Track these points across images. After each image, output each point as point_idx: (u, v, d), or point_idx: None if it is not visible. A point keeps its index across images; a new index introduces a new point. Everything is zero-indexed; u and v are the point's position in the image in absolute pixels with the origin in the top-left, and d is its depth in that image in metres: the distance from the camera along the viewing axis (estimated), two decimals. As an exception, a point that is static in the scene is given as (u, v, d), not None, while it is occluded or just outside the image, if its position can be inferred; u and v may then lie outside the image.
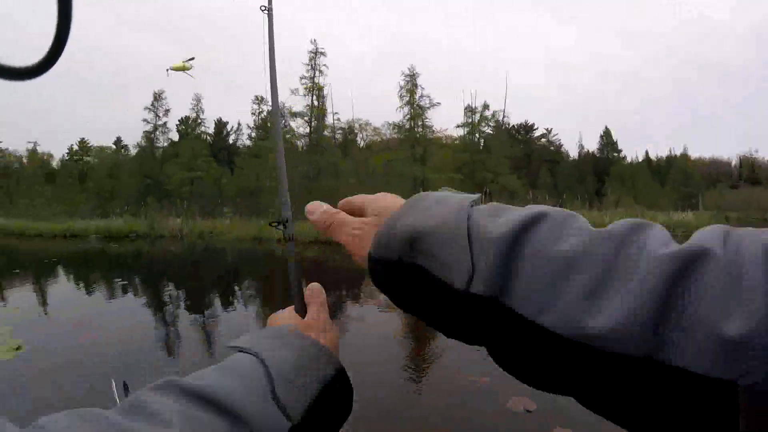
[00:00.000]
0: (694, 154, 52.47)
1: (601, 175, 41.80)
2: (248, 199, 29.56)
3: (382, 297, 6.63)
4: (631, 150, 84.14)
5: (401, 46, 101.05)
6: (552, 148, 49.15)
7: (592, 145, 50.85)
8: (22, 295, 10.79)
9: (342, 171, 29.30)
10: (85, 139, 53.98)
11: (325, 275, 12.79)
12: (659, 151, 53.84)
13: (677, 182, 38.38)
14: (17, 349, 6.04)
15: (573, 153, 49.68)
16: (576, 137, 58.34)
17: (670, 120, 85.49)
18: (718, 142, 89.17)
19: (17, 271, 14.67)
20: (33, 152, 51.20)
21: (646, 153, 50.98)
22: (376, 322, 7.34)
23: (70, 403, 4.48)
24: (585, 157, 47.76)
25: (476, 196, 0.51)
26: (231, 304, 9.47)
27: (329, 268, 13.81)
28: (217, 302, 9.70)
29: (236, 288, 11.48)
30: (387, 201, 0.59)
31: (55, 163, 54.37)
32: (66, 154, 53.19)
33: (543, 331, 0.38)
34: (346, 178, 28.65)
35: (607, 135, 48.10)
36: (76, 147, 52.95)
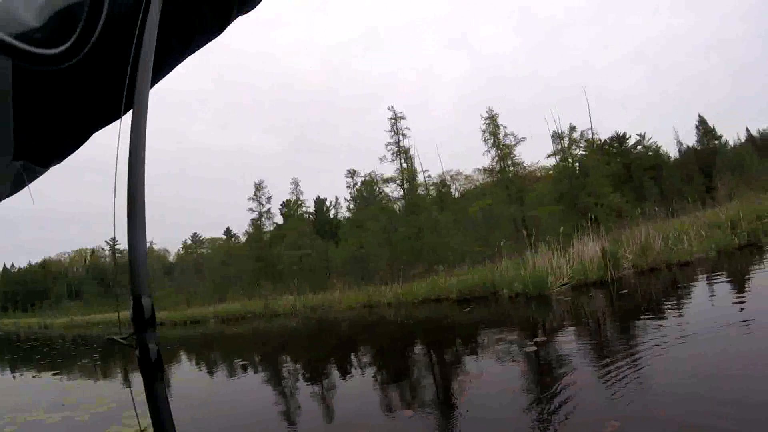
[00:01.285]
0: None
1: (708, 168, 38.50)
2: (355, 268, 30.02)
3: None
4: (732, 132, 73.44)
5: (476, 85, 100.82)
6: (650, 153, 45.30)
7: (691, 138, 47.45)
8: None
9: (441, 225, 29.10)
10: (197, 233, 57.96)
11: (439, 332, 12.52)
12: (760, 124, 47.72)
13: (788, 154, 34.58)
14: (143, 430, 6.19)
15: (673, 152, 46.50)
16: (672, 135, 54.24)
17: (763, 85, 73.57)
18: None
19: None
20: (150, 249, 55.22)
21: (747, 131, 45.95)
22: (493, 378, 6.89)
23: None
24: (686, 154, 44.65)
25: None
26: (348, 372, 9.36)
27: (444, 325, 13.52)
28: (334, 371, 9.64)
29: (351, 356, 11.39)
30: None
31: (171, 258, 58.86)
32: (181, 249, 57.31)
33: None
34: (447, 232, 28.43)
35: (702, 123, 44.89)
36: (189, 241, 56.85)
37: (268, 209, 39.05)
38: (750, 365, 4.90)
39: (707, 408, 4.15)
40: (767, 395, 4.12)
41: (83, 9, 0.37)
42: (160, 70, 0.57)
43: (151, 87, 0.51)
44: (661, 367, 5.49)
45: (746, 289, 9.31)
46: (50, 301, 57.94)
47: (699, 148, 44.42)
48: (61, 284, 61.87)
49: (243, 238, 42.88)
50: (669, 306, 9.29)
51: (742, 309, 7.52)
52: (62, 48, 0.36)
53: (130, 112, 0.45)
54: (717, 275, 11.68)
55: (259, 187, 38.66)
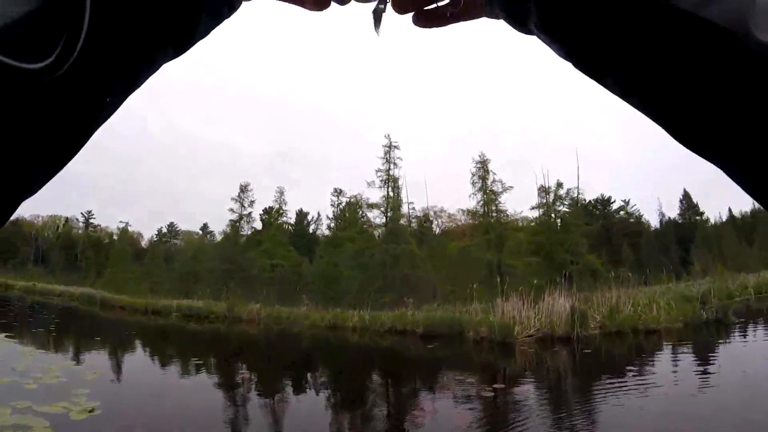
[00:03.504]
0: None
1: (686, 242, 39.46)
2: (325, 287, 29.82)
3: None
4: (715, 210, 75.93)
5: (472, 128, 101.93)
6: (632, 220, 46.45)
7: (673, 211, 48.45)
8: (100, 361, 11.11)
9: (418, 258, 29.14)
10: (174, 223, 57.29)
11: (400, 364, 12.50)
12: (743, 205, 48.76)
13: (765, 237, 35.06)
14: (90, 411, 6.08)
15: (654, 222, 47.32)
16: (655, 204, 55.18)
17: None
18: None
19: (98, 338, 15.29)
20: (124, 230, 54.13)
21: (729, 211, 46.41)
22: (447, 416, 6.89)
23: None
24: (667, 225, 45.65)
25: None
26: (302, 390, 9.29)
27: (405, 357, 13.51)
28: (288, 387, 9.55)
29: (308, 374, 11.28)
30: None
31: (143, 243, 58.02)
32: (155, 236, 56.63)
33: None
34: (422, 266, 28.46)
35: (687, 198, 45.85)
36: (165, 230, 56.17)
37: (249, 213, 38.70)
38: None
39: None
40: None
41: (63, 19, 0.33)
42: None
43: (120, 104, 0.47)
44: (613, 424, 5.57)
45: (708, 362, 9.49)
46: (16, 261, 56.51)
47: (680, 221, 45.43)
48: (29, 247, 60.54)
49: (219, 237, 42.30)
50: (629, 370, 9.38)
51: (700, 380, 7.66)
52: (46, 62, 0.32)
53: None
54: (681, 346, 11.90)
55: (244, 189, 38.25)
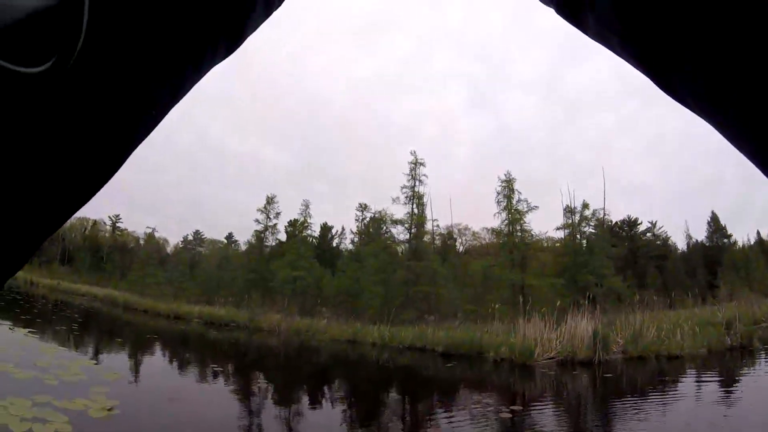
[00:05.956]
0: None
1: (713, 265, 38.51)
2: (347, 301, 29.83)
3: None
4: (743, 232, 72.17)
5: (493, 146, 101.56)
6: (658, 242, 45.78)
7: (701, 233, 47.29)
8: (121, 362, 11.27)
9: (440, 276, 29.02)
10: (200, 231, 57.88)
11: (417, 382, 12.42)
12: None
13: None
14: (110, 410, 6.16)
15: (681, 245, 46.58)
16: (683, 227, 53.60)
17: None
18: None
19: (120, 339, 15.51)
20: (150, 236, 54.96)
21: (758, 234, 44.04)
22: None
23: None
24: (694, 248, 44.83)
25: None
26: (316, 403, 9.30)
27: (424, 375, 13.43)
28: (302, 399, 9.56)
29: (323, 387, 11.28)
30: None
31: (169, 249, 58.84)
32: (180, 242, 57.27)
33: None
34: (444, 283, 28.31)
35: (715, 220, 44.80)
36: (190, 237, 56.79)
37: (275, 224, 39.01)
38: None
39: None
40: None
41: (60, 17, 0.30)
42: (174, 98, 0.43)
43: (163, 116, 0.43)
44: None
45: (730, 392, 9.28)
46: (41, 259, 57.62)
47: (707, 244, 44.55)
48: (56, 246, 61.71)
49: (243, 247, 42.67)
50: (650, 397, 9.20)
51: (722, 412, 7.48)
52: (47, 65, 0.30)
53: None
54: (705, 374, 11.66)
55: (270, 200, 38.65)
